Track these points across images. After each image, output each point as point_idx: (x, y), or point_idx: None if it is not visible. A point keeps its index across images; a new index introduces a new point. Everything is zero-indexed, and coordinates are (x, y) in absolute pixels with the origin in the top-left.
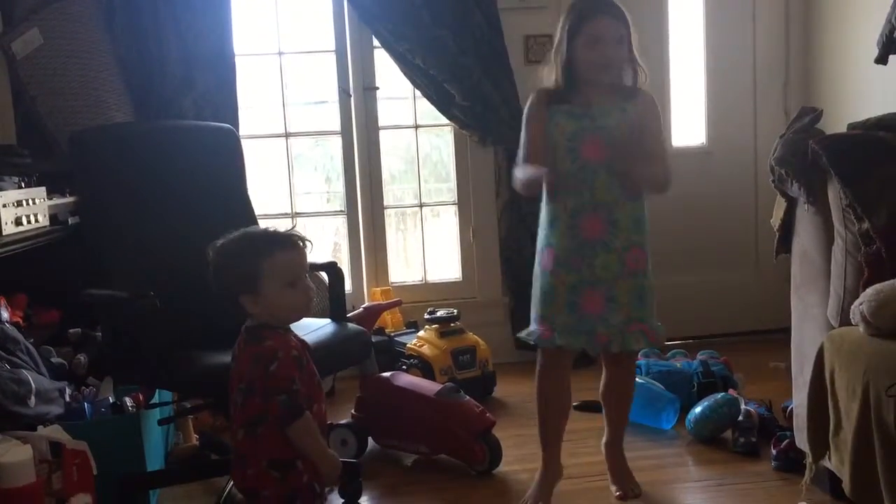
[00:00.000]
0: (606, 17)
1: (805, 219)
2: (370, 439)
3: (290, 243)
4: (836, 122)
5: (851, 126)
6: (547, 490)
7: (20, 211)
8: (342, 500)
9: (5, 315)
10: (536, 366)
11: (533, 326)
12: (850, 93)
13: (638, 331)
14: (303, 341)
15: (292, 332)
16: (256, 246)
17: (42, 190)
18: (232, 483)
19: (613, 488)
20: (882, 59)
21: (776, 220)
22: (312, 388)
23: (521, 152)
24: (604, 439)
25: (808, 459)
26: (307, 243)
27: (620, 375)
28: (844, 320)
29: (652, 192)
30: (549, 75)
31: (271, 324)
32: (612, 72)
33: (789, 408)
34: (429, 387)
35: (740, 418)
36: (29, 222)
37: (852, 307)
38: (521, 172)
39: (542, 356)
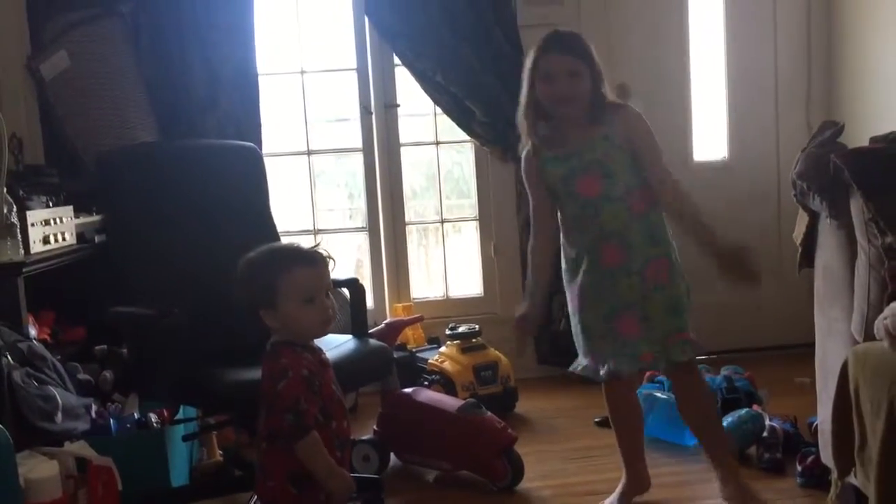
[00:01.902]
0: (556, 53)
1: (827, 233)
2: (392, 455)
3: (311, 260)
4: (858, 136)
5: (874, 140)
6: (626, 500)
7: (48, 230)
8: None
9: (33, 332)
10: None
11: (582, 360)
12: (872, 106)
13: (679, 341)
14: (323, 360)
15: (316, 349)
16: (277, 260)
17: (69, 209)
18: (255, 499)
19: None
20: None
21: (798, 234)
22: (331, 406)
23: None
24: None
25: (834, 476)
26: (330, 261)
27: (686, 386)
28: (868, 335)
29: (676, 205)
30: (522, 123)
31: (291, 340)
32: (573, 105)
33: (814, 423)
34: (450, 403)
35: (765, 434)
36: (56, 241)
37: (876, 322)
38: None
39: (606, 383)
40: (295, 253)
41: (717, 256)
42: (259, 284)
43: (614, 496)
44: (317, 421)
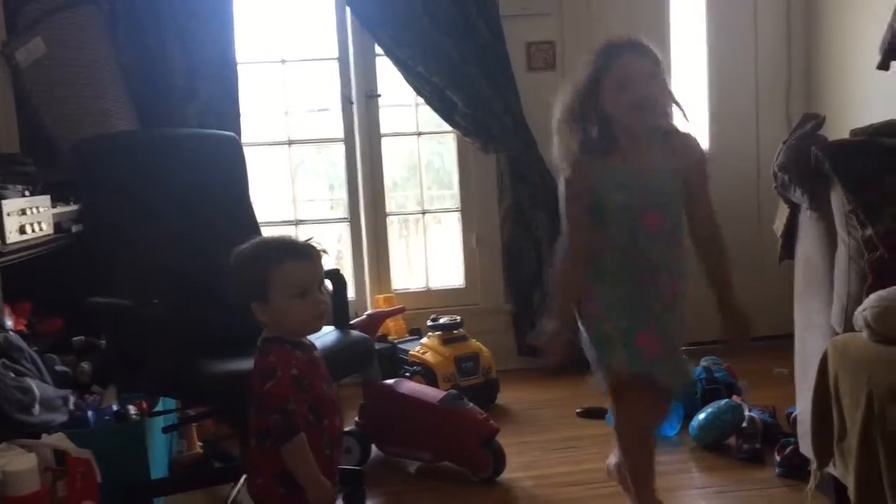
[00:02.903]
0: (633, 53)
1: (808, 225)
2: (373, 447)
3: (304, 253)
4: (839, 129)
5: (854, 132)
6: None
7: (24, 219)
8: None
9: (10, 323)
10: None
11: (601, 368)
12: (852, 99)
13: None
14: (314, 358)
15: (307, 346)
16: (268, 253)
17: (46, 198)
18: (236, 491)
19: None
20: (884, 65)
21: (779, 225)
22: (322, 405)
23: (564, 226)
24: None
25: (813, 466)
26: (323, 254)
27: None
28: (848, 326)
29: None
30: (570, 141)
31: (282, 336)
32: (650, 114)
33: (793, 414)
34: (432, 394)
35: (744, 425)
36: (33, 230)
37: (855, 313)
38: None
39: (636, 387)
40: (288, 246)
41: (726, 317)
42: (251, 277)
43: None
44: (307, 420)
